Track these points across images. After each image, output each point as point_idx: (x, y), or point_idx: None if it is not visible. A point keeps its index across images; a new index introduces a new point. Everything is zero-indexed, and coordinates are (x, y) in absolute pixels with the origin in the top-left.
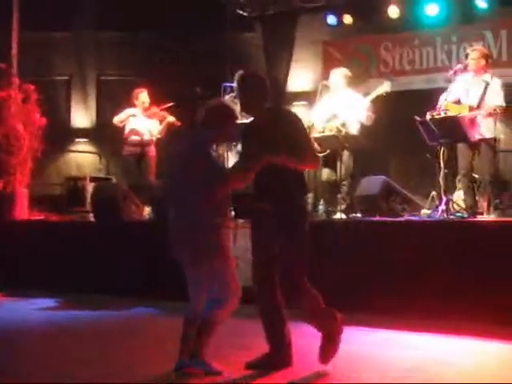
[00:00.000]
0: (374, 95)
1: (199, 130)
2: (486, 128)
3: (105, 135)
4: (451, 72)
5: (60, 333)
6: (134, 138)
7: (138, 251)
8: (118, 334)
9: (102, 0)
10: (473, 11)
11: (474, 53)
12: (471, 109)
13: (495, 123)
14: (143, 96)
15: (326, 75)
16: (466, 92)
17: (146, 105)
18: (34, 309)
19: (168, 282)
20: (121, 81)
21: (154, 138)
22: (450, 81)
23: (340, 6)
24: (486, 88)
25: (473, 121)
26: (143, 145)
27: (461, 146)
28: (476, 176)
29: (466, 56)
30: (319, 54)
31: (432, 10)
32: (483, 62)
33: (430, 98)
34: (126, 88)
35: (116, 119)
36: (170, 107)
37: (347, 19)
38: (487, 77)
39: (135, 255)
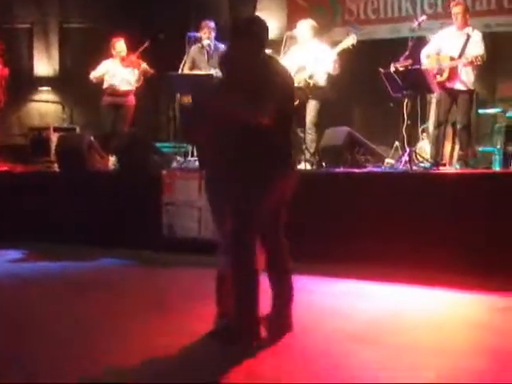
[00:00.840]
0: (340, 47)
1: None
2: (466, 79)
3: (68, 84)
4: (416, 24)
5: (25, 284)
6: (112, 87)
7: (103, 201)
8: (87, 286)
9: None
10: None
11: (458, 7)
12: (452, 59)
13: (475, 74)
14: (120, 45)
15: (290, 24)
16: (448, 44)
17: (123, 54)
18: None
19: (133, 231)
20: (84, 29)
21: (133, 88)
22: (413, 31)
23: None
24: (467, 40)
25: (454, 70)
26: (122, 94)
27: (439, 96)
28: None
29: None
30: (284, 2)
31: None
32: (467, 15)
33: (394, 47)
34: (90, 36)
35: (92, 75)
36: (145, 48)
37: None
38: (468, 30)
39: (101, 205)
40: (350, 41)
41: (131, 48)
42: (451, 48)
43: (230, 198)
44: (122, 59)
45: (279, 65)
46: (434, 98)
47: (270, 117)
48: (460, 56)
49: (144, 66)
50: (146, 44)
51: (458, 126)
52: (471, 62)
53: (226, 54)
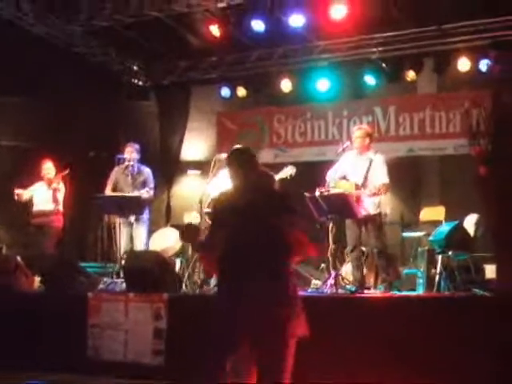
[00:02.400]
0: (278, 177)
1: None
2: (370, 204)
3: None
4: (340, 149)
5: None
6: (36, 208)
7: (27, 323)
8: None
9: None
10: (362, 87)
11: (358, 131)
12: (357, 187)
13: (380, 200)
14: (46, 167)
15: (220, 145)
16: (352, 169)
17: (50, 176)
18: None
19: (58, 353)
20: (11, 147)
21: (57, 208)
22: (338, 155)
23: (234, 78)
24: (369, 165)
25: (358, 198)
26: (46, 215)
27: (348, 222)
28: (364, 249)
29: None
30: (213, 124)
31: (323, 86)
32: (367, 140)
33: (319, 170)
34: (19, 155)
35: (17, 192)
36: (65, 172)
37: (241, 92)
38: (371, 154)
39: (25, 327)
40: (289, 171)
41: (60, 167)
42: (355, 174)
43: None
44: (49, 181)
45: None
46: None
47: None
48: (363, 184)
49: (54, 185)
50: (66, 170)
51: (375, 251)
52: (375, 194)
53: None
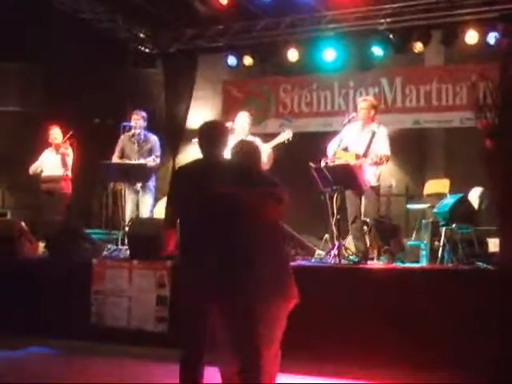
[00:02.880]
0: (275, 142)
1: None
2: (370, 175)
3: (1, 167)
4: (346, 120)
5: None
6: (46, 173)
7: (31, 288)
8: (11, 376)
9: (1, 29)
10: (369, 58)
11: (363, 103)
12: (358, 157)
13: (379, 171)
14: (52, 132)
15: (225, 114)
16: (354, 140)
17: (57, 141)
18: None
19: (61, 319)
20: (18, 113)
21: (66, 174)
22: (344, 125)
23: (240, 47)
24: (372, 137)
25: (360, 168)
26: (55, 180)
27: (348, 193)
28: (367, 220)
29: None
30: (219, 92)
31: (330, 56)
32: (372, 112)
33: (325, 140)
34: (23, 121)
35: (32, 169)
36: (70, 136)
37: (247, 60)
38: (374, 126)
39: (29, 293)
40: (286, 136)
41: (66, 134)
42: (356, 145)
43: None
44: (55, 146)
45: None
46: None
47: None
48: (365, 154)
49: (62, 149)
50: (70, 133)
51: (372, 222)
52: (376, 163)
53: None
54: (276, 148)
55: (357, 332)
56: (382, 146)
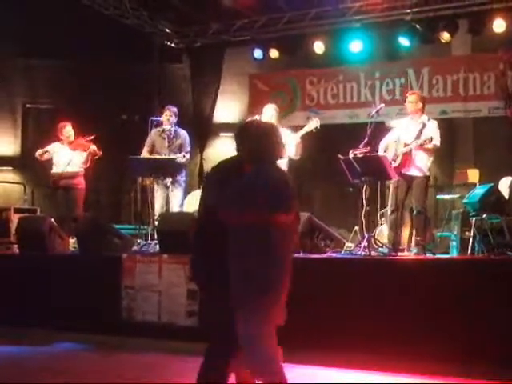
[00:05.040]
0: (304, 131)
1: None
2: (421, 165)
3: (30, 165)
4: (374, 111)
5: None
6: (58, 171)
7: (62, 284)
8: (44, 372)
9: (32, 27)
10: (396, 49)
11: (412, 96)
12: (406, 145)
13: (431, 161)
14: (67, 130)
15: (252, 107)
16: (405, 131)
17: (71, 138)
18: None
19: (92, 314)
20: (48, 109)
21: (81, 170)
22: (372, 117)
23: (266, 40)
24: (423, 127)
25: (407, 157)
26: (69, 177)
27: (395, 182)
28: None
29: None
30: (246, 86)
31: (356, 47)
32: (420, 104)
33: (352, 132)
34: (54, 116)
35: (37, 153)
36: (93, 139)
37: (273, 53)
38: (424, 118)
39: (60, 288)
40: (314, 124)
41: (93, 129)
42: (407, 136)
43: None
44: (70, 143)
45: None
46: (391, 184)
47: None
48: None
49: (93, 147)
50: (92, 137)
51: (414, 212)
52: (421, 145)
53: None
54: (305, 138)
55: (386, 324)
56: (431, 133)
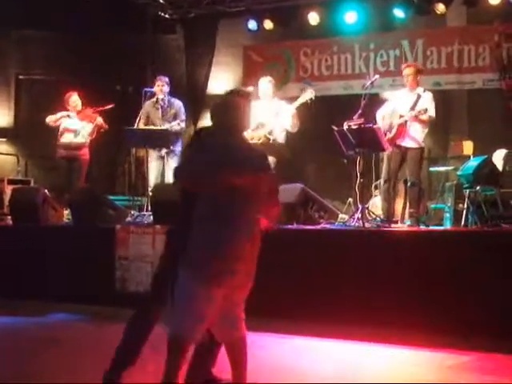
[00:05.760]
0: (299, 102)
1: None
2: (416, 136)
3: (23, 136)
4: (368, 83)
5: None
6: (67, 140)
7: (56, 255)
8: (40, 342)
9: None
10: (390, 20)
11: (408, 69)
12: (401, 116)
13: (425, 133)
14: (74, 99)
15: (246, 78)
16: (401, 103)
17: (78, 108)
18: None
19: (86, 285)
20: (42, 80)
21: (87, 141)
22: (366, 88)
23: (261, 11)
24: (418, 99)
25: (402, 128)
26: (76, 147)
27: (389, 153)
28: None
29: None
30: (240, 57)
31: (351, 18)
32: (418, 77)
33: (347, 103)
34: (47, 88)
35: (49, 119)
36: (100, 110)
37: (268, 25)
38: (420, 90)
39: (54, 259)
40: (308, 95)
41: (88, 101)
42: (402, 107)
43: None
44: (78, 112)
45: None
46: (385, 154)
47: None
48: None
49: (99, 120)
50: (111, 105)
51: (408, 184)
52: (416, 116)
53: None
54: (300, 109)
55: (380, 295)
56: (426, 105)
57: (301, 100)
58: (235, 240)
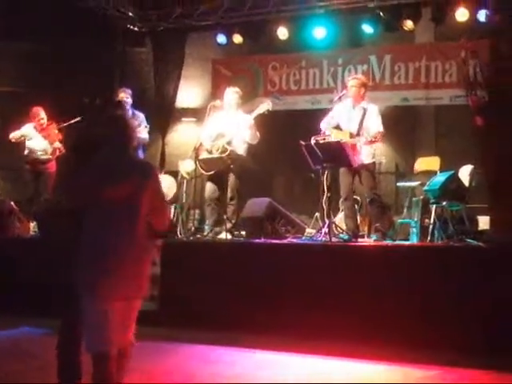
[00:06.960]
0: (256, 113)
1: None
2: (365, 153)
3: None
4: (336, 98)
5: None
6: (32, 156)
7: (22, 268)
8: (4, 357)
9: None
10: (359, 36)
11: (353, 81)
12: (352, 135)
13: (374, 149)
14: (40, 116)
15: (214, 92)
16: (346, 119)
17: (43, 122)
18: None
19: (50, 299)
20: (8, 92)
21: (51, 157)
22: (334, 103)
23: (230, 25)
24: (364, 114)
25: (354, 147)
26: (41, 162)
27: (342, 171)
28: (358, 198)
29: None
30: (208, 71)
31: (319, 33)
32: (362, 90)
33: (314, 118)
34: (13, 100)
35: (12, 135)
36: (63, 127)
37: (237, 39)
38: (364, 103)
39: (20, 272)
40: (265, 107)
41: (55, 113)
42: (349, 124)
43: None
44: (42, 129)
45: None
46: (340, 172)
47: None
48: (358, 133)
49: (57, 144)
50: (76, 119)
51: (367, 200)
52: (371, 141)
53: None
54: (266, 123)
55: (347, 309)
56: (374, 123)
57: (257, 111)
58: (113, 244)
